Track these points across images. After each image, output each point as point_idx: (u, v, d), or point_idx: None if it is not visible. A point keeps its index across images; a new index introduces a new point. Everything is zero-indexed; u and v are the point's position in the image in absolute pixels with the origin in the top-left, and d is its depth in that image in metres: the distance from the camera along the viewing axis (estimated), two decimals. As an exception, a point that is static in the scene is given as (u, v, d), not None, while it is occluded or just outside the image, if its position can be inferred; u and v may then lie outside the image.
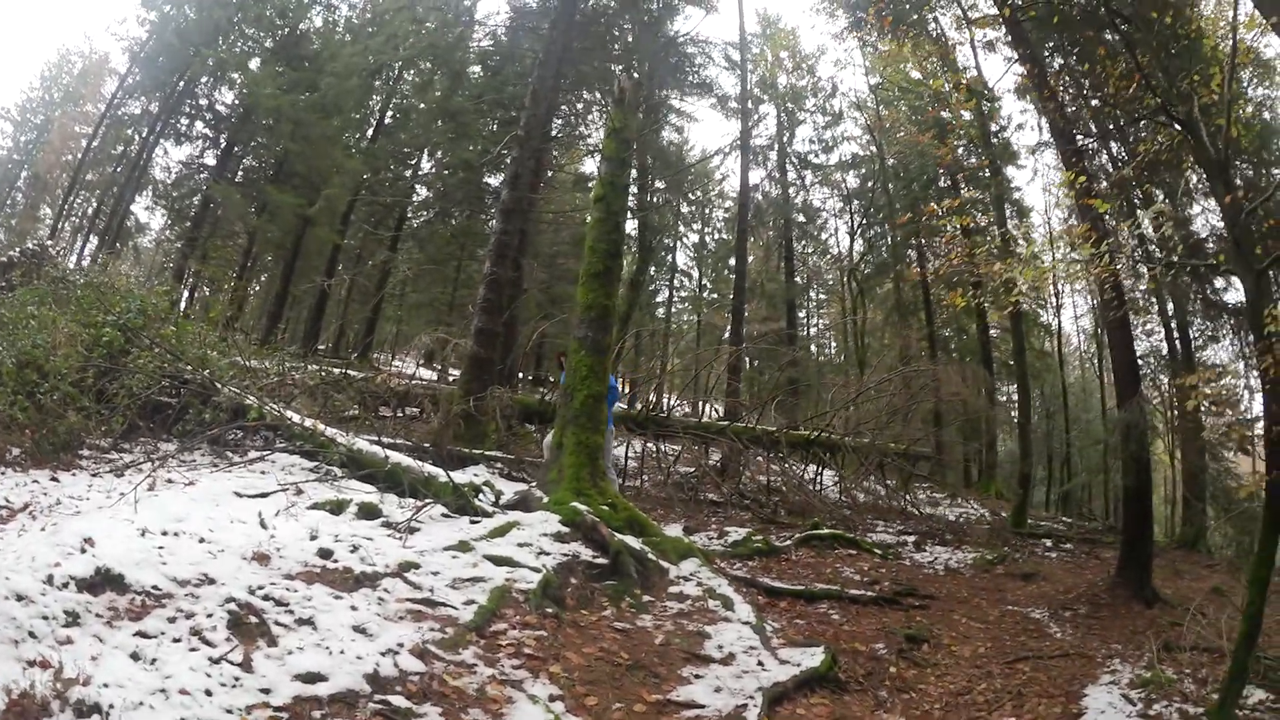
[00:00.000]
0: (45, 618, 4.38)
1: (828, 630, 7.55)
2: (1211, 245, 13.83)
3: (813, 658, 6.20)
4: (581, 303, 10.11)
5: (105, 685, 3.88)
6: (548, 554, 7.16)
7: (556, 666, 5.39)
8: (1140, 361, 13.89)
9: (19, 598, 4.40)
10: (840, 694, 5.97)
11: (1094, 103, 12.21)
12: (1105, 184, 10.76)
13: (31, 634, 4.21)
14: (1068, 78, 11.94)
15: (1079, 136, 12.32)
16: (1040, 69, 11.59)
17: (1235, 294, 16.80)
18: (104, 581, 4.93)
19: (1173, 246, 9.86)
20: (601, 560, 7.45)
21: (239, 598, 5.08)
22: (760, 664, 6.05)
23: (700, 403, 25.01)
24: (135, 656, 4.29)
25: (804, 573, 9.71)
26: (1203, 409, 14.76)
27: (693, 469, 14.68)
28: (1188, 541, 16.17)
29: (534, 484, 10.03)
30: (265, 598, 5.22)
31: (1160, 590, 9.38)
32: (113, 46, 53.78)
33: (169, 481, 7.80)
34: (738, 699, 5.42)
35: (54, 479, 7.70)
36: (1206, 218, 15.29)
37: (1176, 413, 19.20)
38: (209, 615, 4.86)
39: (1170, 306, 18.14)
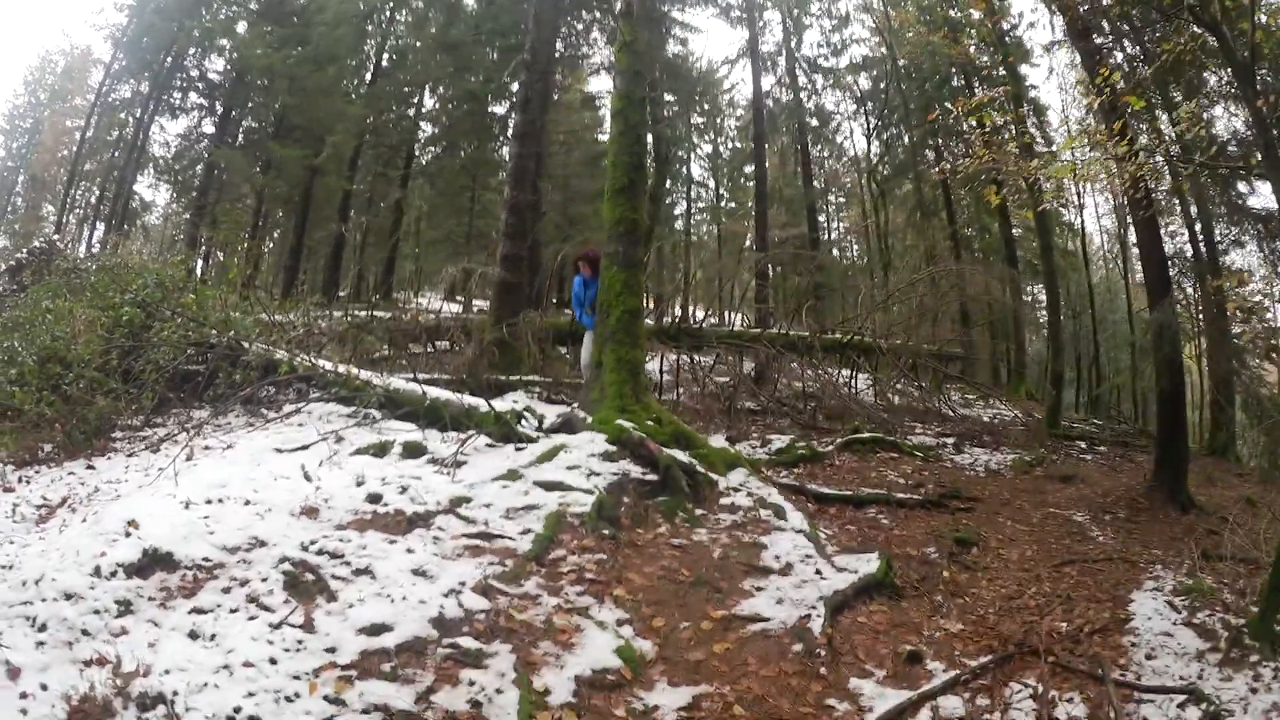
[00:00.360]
0: (97, 612, 4.30)
1: (879, 535, 7.49)
2: (1234, 148, 13.43)
3: (869, 564, 6.14)
4: (609, 218, 9.84)
5: (166, 672, 3.79)
6: (598, 474, 7.01)
7: (620, 589, 5.31)
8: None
9: (68, 596, 4.33)
10: (897, 600, 5.95)
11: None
12: (1123, 84, 10.30)
13: (85, 632, 4.14)
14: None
15: (1095, 36, 11.85)
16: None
17: (1260, 199, 16.53)
18: (153, 562, 4.84)
19: (1201, 148, 9.49)
20: (651, 476, 7.30)
21: (292, 556, 5.00)
22: (818, 572, 5.97)
23: (727, 312, 24.84)
24: (194, 635, 4.21)
25: (849, 477, 9.58)
26: (1233, 313, 14.45)
27: (728, 379, 14.42)
28: (1218, 449, 15.95)
29: (576, 405, 9.82)
30: (319, 552, 5.13)
31: (1195, 496, 9.27)
32: (94, 38, 53.29)
33: (206, 449, 7.67)
34: (800, 609, 5.37)
35: (90, 467, 7.57)
36: (1228, 120, 14.80)
37: (1203, 317, 18.85)
38: (264, 579, 4.79)
39: (1194, 209, 17.69)
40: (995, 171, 11.42)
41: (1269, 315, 16.72)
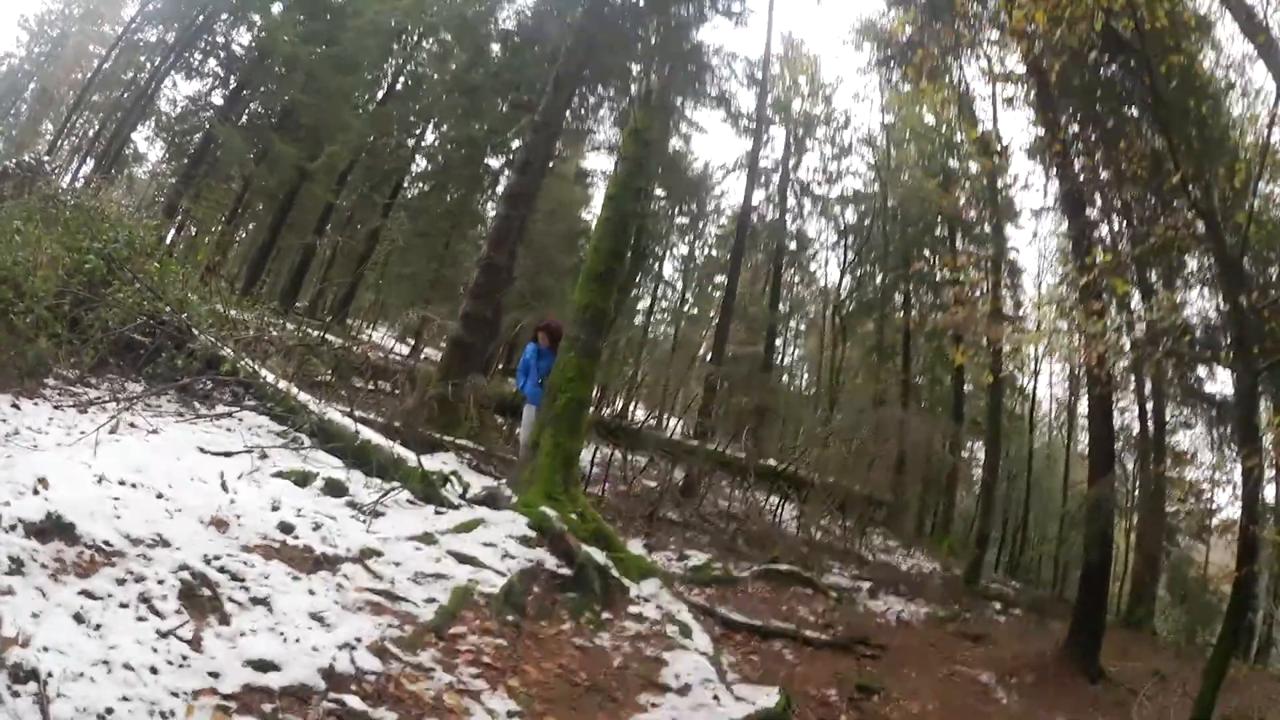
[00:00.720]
0: None
1: (782, 670, 7.40)
2: (1201, 334, 13.80)
3: (768, 698, 6.02)
4: (579, 302, 9.87)
5: (44, 649, 3.63)
6: (513, 557, 6.95)
7: (515, 680, 5.19)
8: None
9: None
10: None
11: (1105, 175, 12.11)
12: (1106, 260, 10.58)
13: None
14: (1084, 145, 11.84)
15: (1087, 208, 12.21)
16: (1058, 134, 11.48)
17: (1215, 385, 16.93)
18: (54, 529, 4.70)
19: (1172, 333, 9.76)
20: (565, 571, 7.23)
21: (193, 566, 4.85)
22: (716, 698, 5.88)
23: (667, 417, 24.91)
24: (79, 619, 4.04)
25: (760, 607, 9.50)
26: (1181, 496, 14.72)
27: (656, 484, 14.43)
28: (1136, 621, 16.13)
29: (504, 481, 9.81)
30: (221, 569, 5.00)
31: (1107, 668, 9.33)
32: None
33: (132, 426, 7.52)
34: None
35: (15, 405, 7.35)
36: (1200, 304, 15.25)
37: (1139, 494, 19.17)
38: (160, 581, 4.63)
39: (1148, 387, 18.08)
40: (962, 329, 11.58)
41: (1207, 497, 16.99)
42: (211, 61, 29.44)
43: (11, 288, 8.43)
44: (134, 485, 5.70)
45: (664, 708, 5.58)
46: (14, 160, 16.43)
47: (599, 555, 7.65)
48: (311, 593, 5.17)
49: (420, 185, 32.46)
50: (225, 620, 4.56)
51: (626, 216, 10.42)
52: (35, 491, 4.93)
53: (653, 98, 11.02)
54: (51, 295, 8.67)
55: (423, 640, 5.17)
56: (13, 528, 4.49)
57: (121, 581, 4.53)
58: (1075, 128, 12.98)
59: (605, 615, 6.94)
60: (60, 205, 11.26)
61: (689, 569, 10.23)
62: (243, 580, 4.97)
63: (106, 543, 4.81)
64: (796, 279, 36.58)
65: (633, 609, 7.26)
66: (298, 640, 4.54)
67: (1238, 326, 6.45)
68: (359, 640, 4.76)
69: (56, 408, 7.70)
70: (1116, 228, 14.34)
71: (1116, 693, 8.58)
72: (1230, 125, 11.62)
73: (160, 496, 5.70)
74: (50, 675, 3.50)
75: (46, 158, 19.83)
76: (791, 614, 9.53)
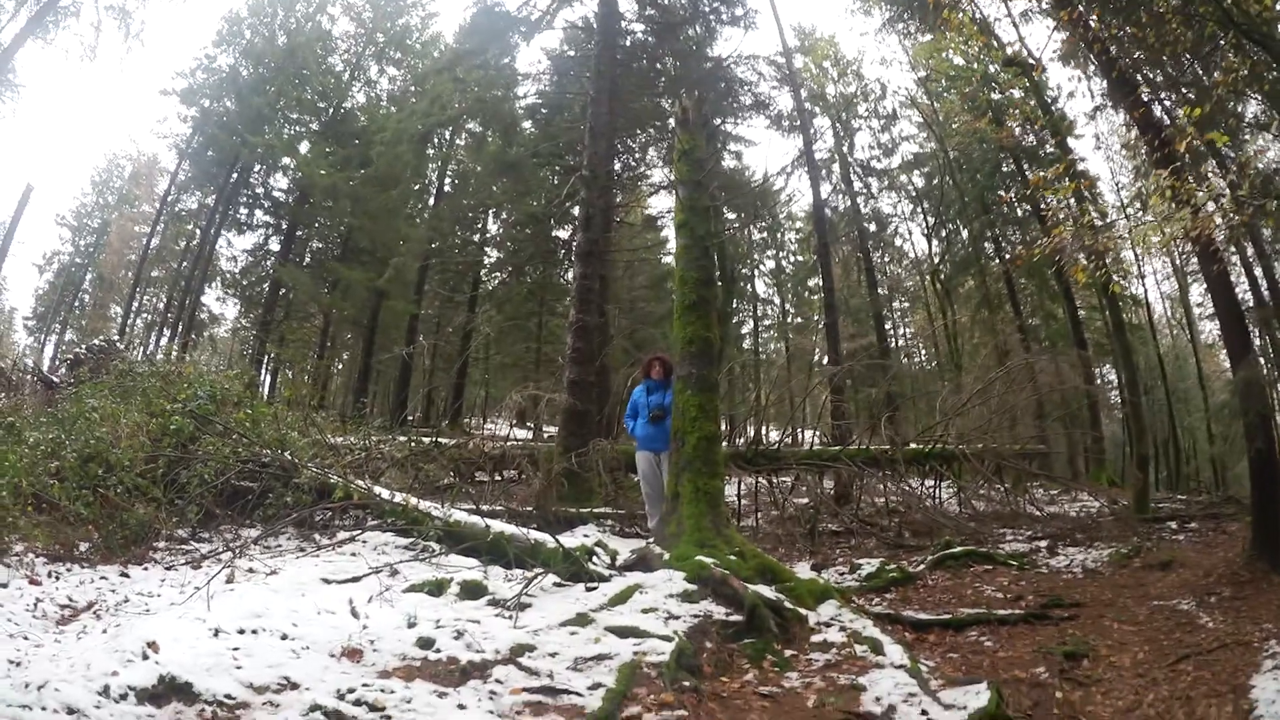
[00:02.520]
0: None
1: (984, 660, 6.69)
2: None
3: (978, 697, 5.30)
4: (680, 338, 9.34)
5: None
6: (676, 617, 6.30)
7: (705, 752, 4.51)
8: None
9: (70, 711, 3.84)
10: None
11: (1150, 43, 11.31)
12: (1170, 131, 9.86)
13: None
14: (1105, 18, 11.08)
15: (1142, 90, 11.40)
16: (1086, 25, 10.76)
17: None
18: (169, 691, 4.26)
19: (1255, 187, 8.90)
20: (736, 617, 6.57)
21: (325, 704, 4.30)
22: (924, 712, 5.18)
23: (799, 431, 24.27)
24: (207, 784, 3.51)
25: (944, 597, 8.88)
26: None
27: (807, 500, 13.76)
28: None
29: (651, 540, 9.22)
30: (357, 702, 4.42)
31: None
32: (159, 146, 55.60)
33: (250, 572, 7.13)
34: None
35: (124, 574, 7.12)
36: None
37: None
38: (291, 728, 4.07)
39: (1250, 254, 17.04)
40: (1065, 251, 10.99)
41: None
42: (258, 212, 30.44)
43: (99, 465, 8.33)
44: (255, 631, 5.21)
45: (873, 741, 4.86)
46: (83, 346, 16.68)
47: (767, 591, 7.01)
48: (462, 707, 4.56)
49: (497, 274, 32.53)
50: (370, 760, 3.98)
51: (704, 239, 9.84)
52: (145, 656, 4.49)
53: (690, 115, 10.44)
54: (141, 462, 8.52)
55: (595, 733, 4.51)
56: (123, 697, 4.09)
57: (249, 734, 4.00)
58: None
59: (788, 653, 6.28)
60: (138, 377, 11.17)
61: (863, 578, 9.54)
62: (383, 709, 4.39)
63: (228, 696, 4.34)
64: (886, 259, 36.45)
65: (815, 638, 6.62)
66: (453, 767, 3.93)
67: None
68: (522, 750, 4.13)
69: (169, 569, 7.43)
70: (1169, 103, 13.56)
71: (1312, 581, 7.82)
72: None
73: (285, 638, 5.20)
74: None
75: (116, 337, 20.18)
76: (978, 596, 8.89)
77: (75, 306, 42.75)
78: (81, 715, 3.81)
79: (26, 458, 7.84)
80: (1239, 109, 12.90)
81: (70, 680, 4.07)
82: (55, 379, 16.94)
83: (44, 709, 3.78)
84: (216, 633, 5.03)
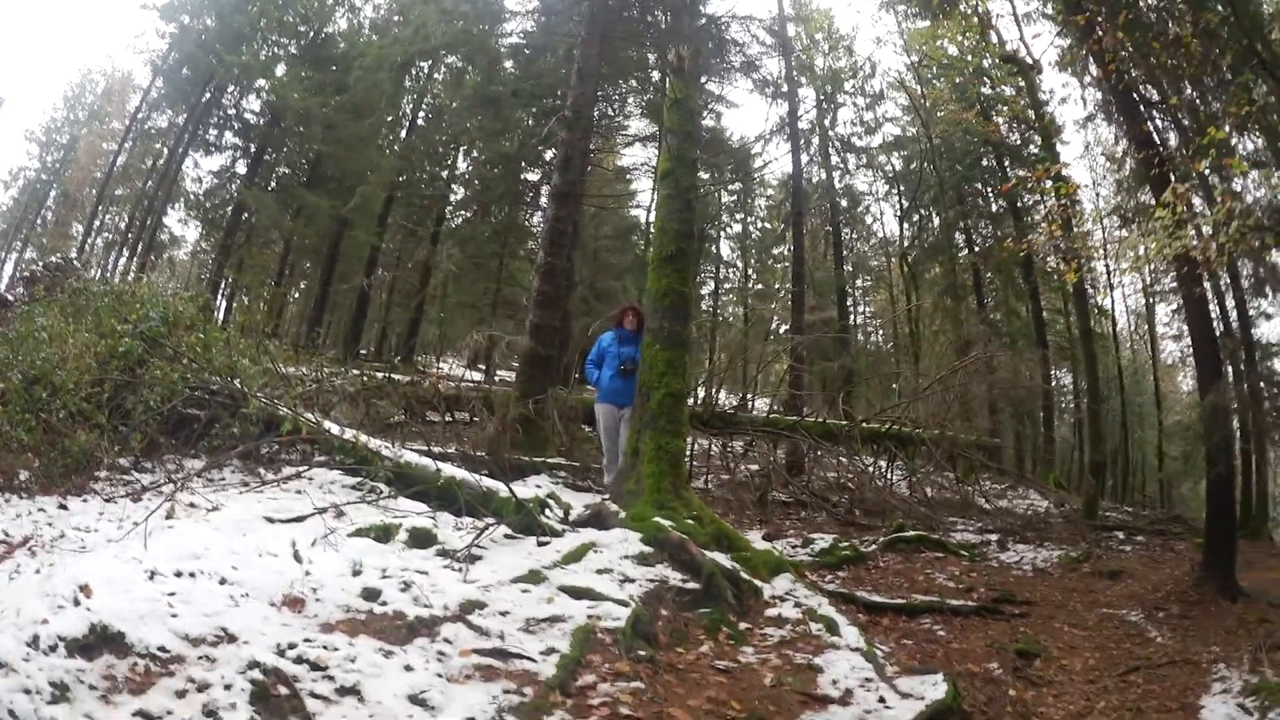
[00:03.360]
0: (28, 691, 3.47)
1: (937, 650, 6.66)
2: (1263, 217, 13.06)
3: (934, 688, 5.25)
4: (653, 290, 9.12)
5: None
6: (632, 580, 6.15)
7: (664, 731, 4.33)
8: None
9: None
10: None
11: (1162, 63, 11.21)
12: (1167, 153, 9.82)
13: (12, 714, 3.34)
14: (1121, 35, 10.96)
15: (1142, 107, 11.34)
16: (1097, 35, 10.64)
17: None
18: (100, 642, 3.96)
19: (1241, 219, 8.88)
20: (692, 584, 6.44)
21: (264, 661, 4.05)
22: (881, 700, 5.08)
23: (752, 397, 24.27)
24: (134, 747, 3.27)
25: (897, 581, 8.92)
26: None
27: (759, 467, 13.81)
28: (1252, 530, 15.56)
29: (606, 496, 9.07)
30: (298, 659, 4.20)
31: (1239, 583, 8.65)
32: (135, 62, 54.50)
33: (191, 506, 6.82)
34: None
35: (63, 505, 6.79)
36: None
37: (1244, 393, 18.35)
38: (227, 686, 3.84)
39: (1223, 282, 17.16)
40: (1039, 249, 11.01)
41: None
42: (228, 134, 29.90)
43: (44, 388, 7.97)
44: (193, 574, 4.93)
45: (831, 725, 4.76)
46: (40, 264, 16.24)
47: (724, 559, 6.91)
48: (409, 669, 4.36)
49: (463, 212, 32.23)
50: (308, 722, 3.76)
51: (688, 191, 9.60)
52: (76, 602, 4.19)
53: (686, 64, 10.16)
54: (88, 385, 8.20)
55: (547, 703, 4.30)
56: (52, 648, 3.78)
57: (182, 693, 3.79)
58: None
59: (743, 626, 6.18)
60: (91, 295, 10.79)
61: (816, 554, 9.54)
62: (325, 668, 4.17)
63: (162, 648, 4.07)
64: (856, 236, 36.44)
65: (770, 612, 6.52)
66: (398, 734, 3.73)
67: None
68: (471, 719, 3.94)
69: (108, 500, 7.09)
70: (1163, 125, 13.54)
71: (1258, 608, 7.94)
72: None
73: (224, 582, 4.94)
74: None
75: (74, 255, 19.75)
76: (930, 583, 8.93)
77: (37, 224, 41.99)
78: (9, 669, 3.56)
79: (-32, 376, 7.51)
80: (1237, 144, 12.94)
81: (1, 629, 3.82)
82: (10, 297, 16.53)
83: (-30, 661, 3.54)
84: (153, 575, 4.76)
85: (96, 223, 34.87)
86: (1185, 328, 20.50)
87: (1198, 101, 11.70)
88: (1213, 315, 17.73)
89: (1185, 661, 6.47)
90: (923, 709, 4.97)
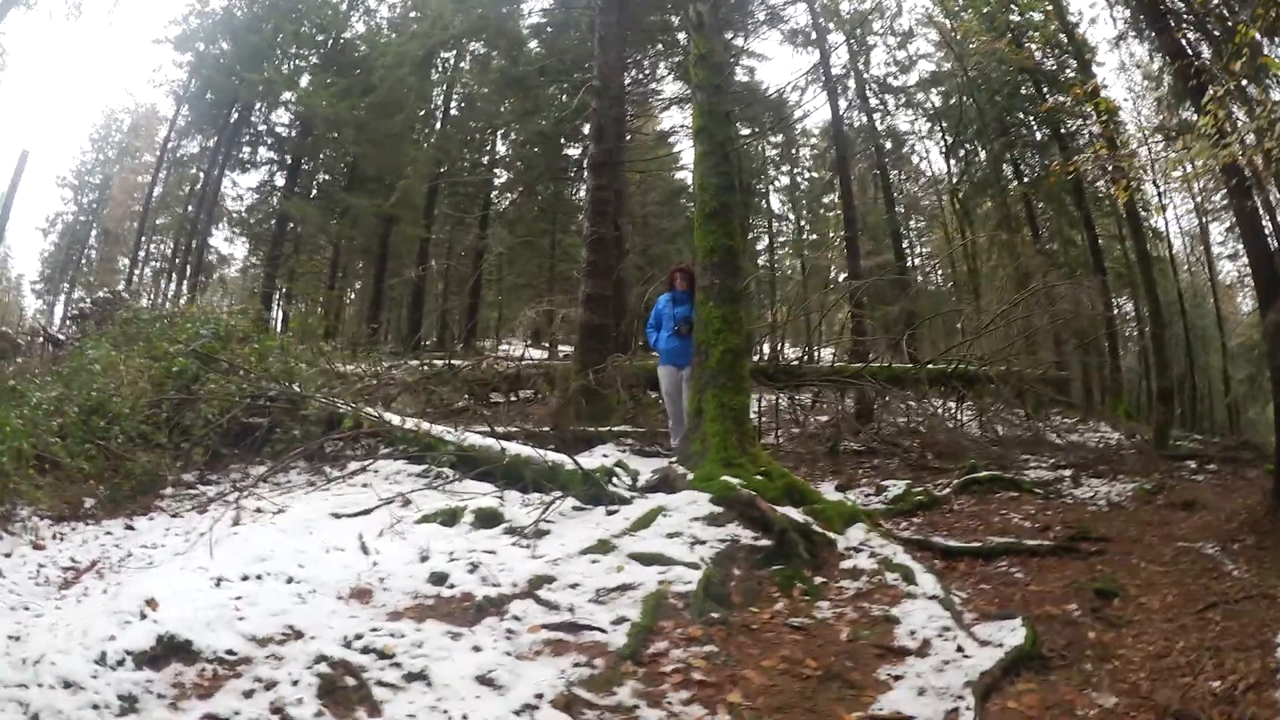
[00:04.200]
0: (96, 707, 3.54)
1: (1015, 593, 6.49)
2: None
3: (1013, 634, 5.11)
4: (701, 247, 8.92)
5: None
6: (702, 542, 6.01)
7: (735, 694, 4.21)
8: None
9: (66, 685, 3.62)
10: (1046, 674, 4.94)
11: None
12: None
13: None
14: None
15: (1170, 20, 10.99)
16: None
17: None
18: (167, 652, 4.02)
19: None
20: (764, 541, 6.30)
21: (331, 654, 4.06)
22: (960, 649, 4.94)
23: (816, 348, 24.08)
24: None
25: (971, 524, 8.68)
26: None
27: (828, 418, 13.63)
28: None
29: (674, 459, 8.92)
30: (365, 649, 4.18)
31: None
32: (156, 95, 55.16)
33: (258, 511, 6.87)
34: (946, 701, 4.35)
35: (129, 527, 6.88)
36: None
37: None
38: (294, 682, 3.86)
39: (1274, 196, 16.66)
40: (1087, 172, 10.71)
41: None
42: (261, 149, 30.29)
43: (102, 417, 8.11)
44: (259, 576, 4.96)
45: (908, 677, 4.64)
46: (89, 299, 16.50)
47: (796, 514, 6.73)
48: (477, 649, 4.30)
49: (508, 194, 32.16)
50: (376, 711, 3.75)
51: (724, 145, 9.37)
52: (142, 616, 4.24)
53: (705, 19, 9.95)
54: (145, 409, 8.30)
55: (618, 673, 4.22)
56: (120, 663, 3.85)
57: (249, 693, 3.81)
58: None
59: (818, 580, 6.03)
60: (141, 323, 10.97)
61: (889, 501, 9.35)
62: (392, 656, 4.13)
63: (230, 651, 4.09)
64: (903, 178, 35.84)
65: (845, 564, 6.37)
66: (464, 716, 3.68)
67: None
68: (540, 696, 3.85)
69: (174, 516, 7.18)
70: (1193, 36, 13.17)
71: (1336, 531, 7.65)
72: None
73: (290, 581, 4.95)
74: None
75: (121, 288, 20.09)
76: (1005, 524, 8.69)
77: (82, 264, 42.71)
78: (78, 687, 3.61)
79: (28, 418, 7.55)
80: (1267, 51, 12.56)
81: (67, 650, 3.87)
82: (62, 337, 16.81)
83: (40, 685, 3.60)
84: (219, 582, 4.79)
85: (141, 253, 35.29)
86: (1240, 246, 19.86)
87: (1225, 10, 11.37)
88: (1267, 231, 17.37)
89: (1262, 596, 6.23)
90: (1002, 656, 4.83)
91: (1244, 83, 9.42)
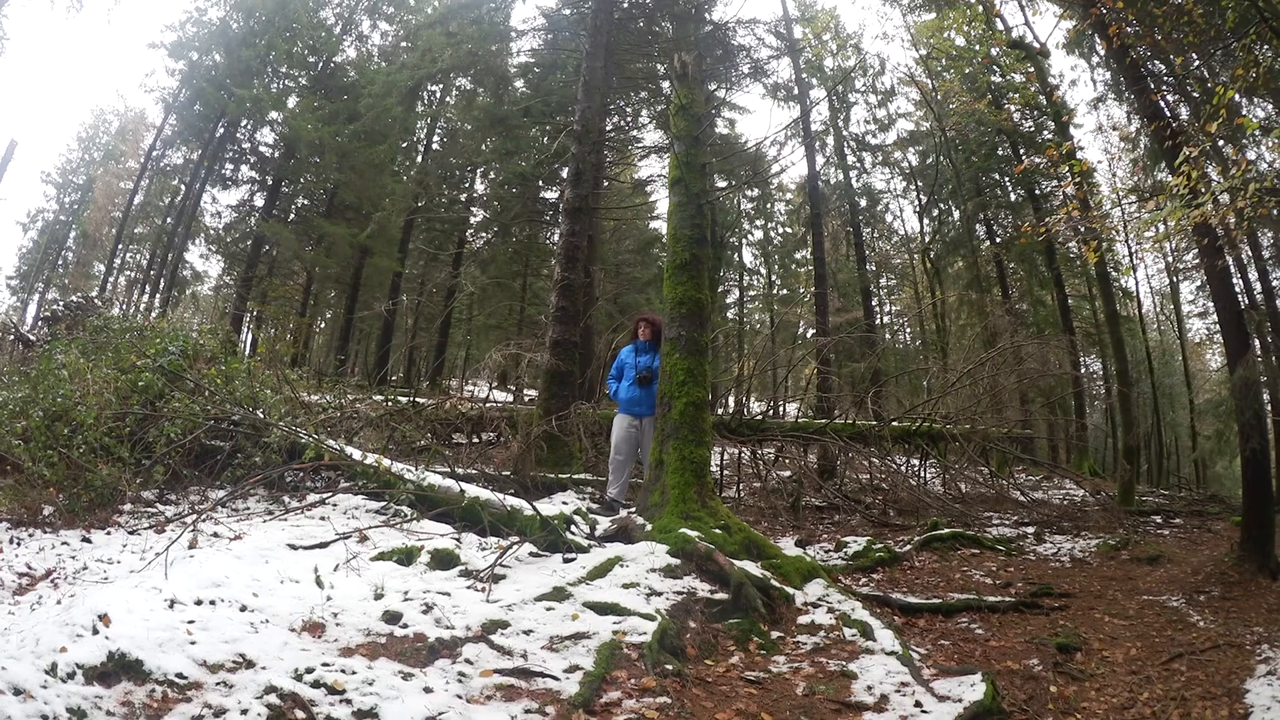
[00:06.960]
0: (45, 717, 3.51)
1: (975, 649, 6.52)
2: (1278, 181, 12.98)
3: (972, 689, 5.12)
4: (670, 298, 9.04)
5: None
6: (659, 594, 6.06)
7: (689, 745, 4.24)
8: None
9: (16, 692, 3.58)
10: None
11: (1166, 32, 11.14)
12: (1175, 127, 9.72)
13: None
14: (1122, 5, 10.90)
15: (1150, 82, 11.25)
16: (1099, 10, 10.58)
17: None
18: (118, 669, 4.01)
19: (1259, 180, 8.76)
20: (721, 595, 6.34)
21: (281, 686, 4.03)
22: (918, 704, 4.95)
23: (781, 402, 24.15)
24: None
25: (932, 580, 8.77)
26: None
27: (790, 473, 13.71)
28: None
29: (632, 510, 8.94)
30: (315, 683, 4.16)
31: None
32: (146, 101, 55.08)
33: (214, 536, 6.80)
34: None
35: (86, 539, 6.78)
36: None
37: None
38: (243, 711, 3.84)
39: (1245, 255, 16.98)
40: (1059, 232, 10.91)
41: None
42: (244, 168, 30.20)
43: (65, 424, 8.01)
44: (213, 602, 4.94)
45: (865, 733, 4.64)
46: (61, 303, 16.39)
47: (753, 568, 6.82)
48: (428, 690, 4.28)
49: (483, 234, 32.24)
50: (325, 746, 3.71)
51: (698, 197, 9.51)
52: (94, 631, 4.22)
53: (689, 70, 10.10)
54: (109, 420, 8.17)
55: (570, 720, 4.23)
56: (70, 676, 3.84)
57: (198, 719, 3.78)
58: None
59: (775, 634, 6.06)
60: (112, 333, 10.83)
61: (849, 557, 9.40)
62: (343, 692, 4.12)
63: (180, 675, 4.08)
64: (876, 235, 36.62)
65: (802, 619, 6.41)
66: (414, 760, 3.67)
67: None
68: (491, 741, 3.85)
69: (131, 533, 7.07)
70: (1172, 99, 13.46)
71: (1300, 585, 7.79)
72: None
73: (244, 609, 4.94)
74: None
75: (94, 294, 19.98)
76: (966, 580, 8.80)
77: (59, 265, 42.39)
78: (28, 696, 3.58)
79: (-9, 419, 7.51)
80: (1245, 111, 12.85)
81: (19, 657, 3.84)
82: (33, 337, 16.67)
83: (-10, 688, 3.55)
84: (172, 604, 4.76)
85: (117, 261, 35.21)
86: (1210, 303, 20.27)
87: (1204, 72, 11.64)
88: (1237, 289, 17.67)
89: (1228, 645, 6.35)
90: (961, 711, 4.85)
91: (1220, 143, 9.67)
